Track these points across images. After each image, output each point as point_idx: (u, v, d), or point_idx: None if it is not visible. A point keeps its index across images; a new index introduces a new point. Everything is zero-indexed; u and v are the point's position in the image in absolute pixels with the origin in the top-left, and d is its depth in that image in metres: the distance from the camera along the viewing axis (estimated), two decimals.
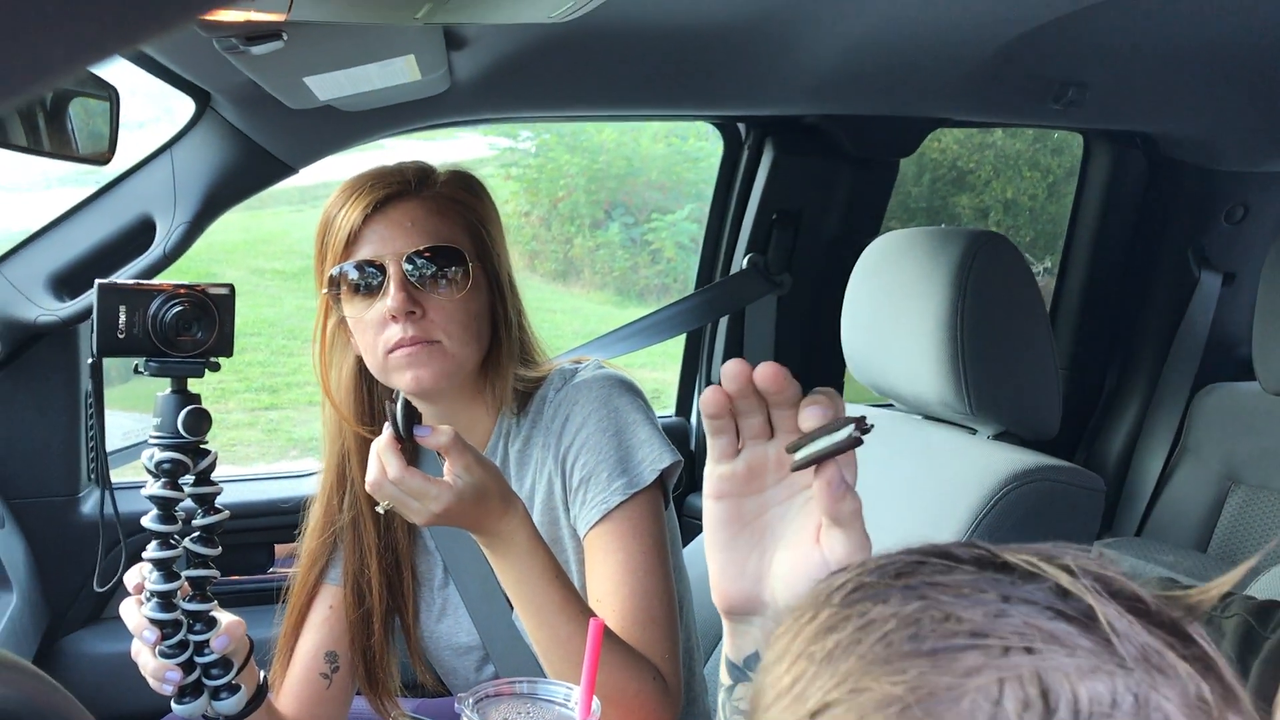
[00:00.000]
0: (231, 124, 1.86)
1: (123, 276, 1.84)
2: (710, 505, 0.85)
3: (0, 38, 0.26)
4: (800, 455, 0.76)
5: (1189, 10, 1.84)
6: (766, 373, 0.77)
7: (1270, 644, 0.79)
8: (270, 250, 7.17)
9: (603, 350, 2.28)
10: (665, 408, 2.68)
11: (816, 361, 2.38)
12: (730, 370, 0.78)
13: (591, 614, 1.34)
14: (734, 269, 2.42)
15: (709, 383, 2.57)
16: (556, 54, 1.80)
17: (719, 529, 0.85)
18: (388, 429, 1.24)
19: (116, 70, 1.67)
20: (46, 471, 1.93)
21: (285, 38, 1.28)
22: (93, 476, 2.04)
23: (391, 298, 1.39)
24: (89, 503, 2.01)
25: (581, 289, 10.80)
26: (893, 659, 0.47)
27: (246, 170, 1.91)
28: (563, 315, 7.71)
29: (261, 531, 2.16)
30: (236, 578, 2.18)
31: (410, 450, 1.32)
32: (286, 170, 1.94)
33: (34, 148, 1.10)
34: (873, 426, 0.77)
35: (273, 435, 5.35)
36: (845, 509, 0.77)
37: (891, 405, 1.99)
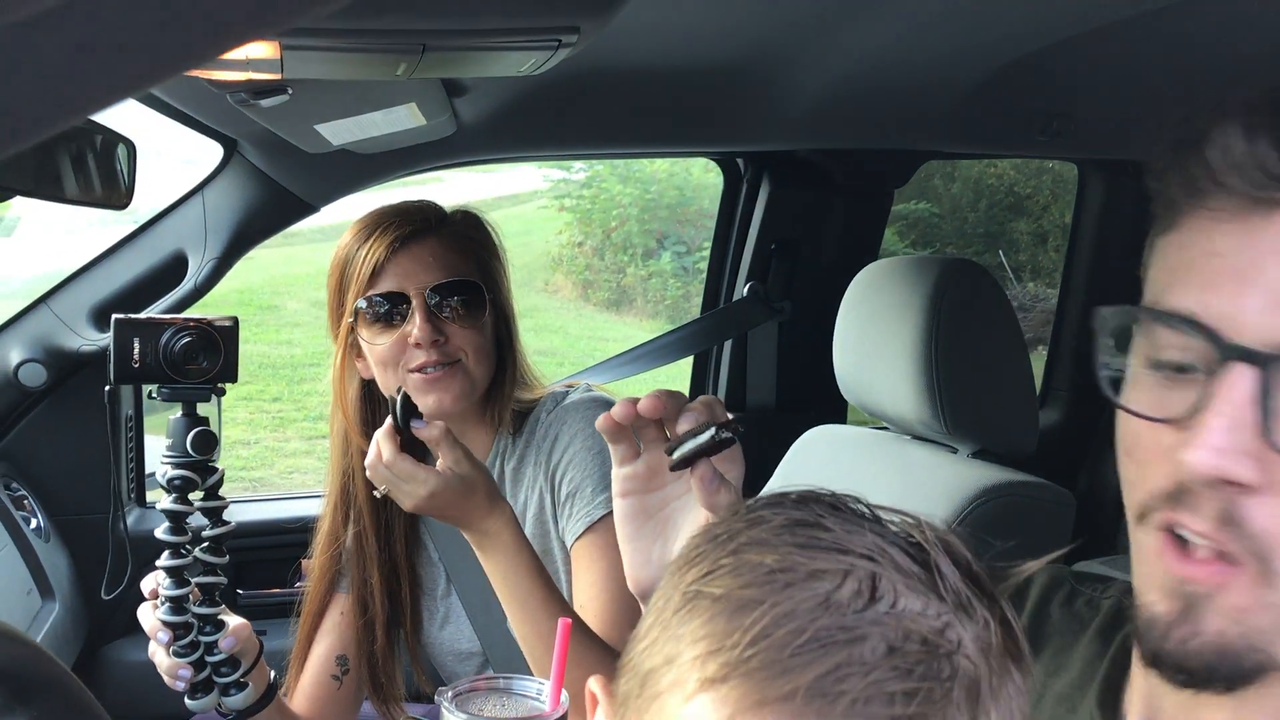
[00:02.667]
0: (257, 167, 2.01)
1: (157, 309, 1.99)
2: (618, 502, 0.97)
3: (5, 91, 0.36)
4: (675, 455, 0.88)
5: (1167, 41, 1.90)
6: (646, 405, 0.91)
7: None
8: None
9: (610, 373, 2.39)
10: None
11: (816, 384, 2.46)
12: (619, 411, 0.92)
13: (572, 610, 1.45)
14: (736, 297, 2.53)
15: None
16: (556, 97, 1.91)
17: (626, 523, 0.98)
18: (389, 420, 1.36)
19: (150, 120, 1.83)
20: (88, 490, 2.07)
21: (290, 91, 1.41)
22: (132, 495, 2.18)
23: (418, 327, 1.52)
24: (128, 519, 2.15)
25: (634, 317, 10.90)
26: (770, 542, 0.59)
27: (271, 209, 2.05)
28: (615, 344, 7.79)
29: (290, 548, 2.29)
30: (269, 590, 2.31)
31: (413, 449, 1.43)
32: (308, 209, 2.08)
33: (57, 195, 1.24)
34: (741, 430, 0.89)
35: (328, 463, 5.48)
36: (720, 501, 0.89)
37: (888, 428, 2.08)
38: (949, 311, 1.76)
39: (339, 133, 1.74)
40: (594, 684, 0.74)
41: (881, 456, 1.98)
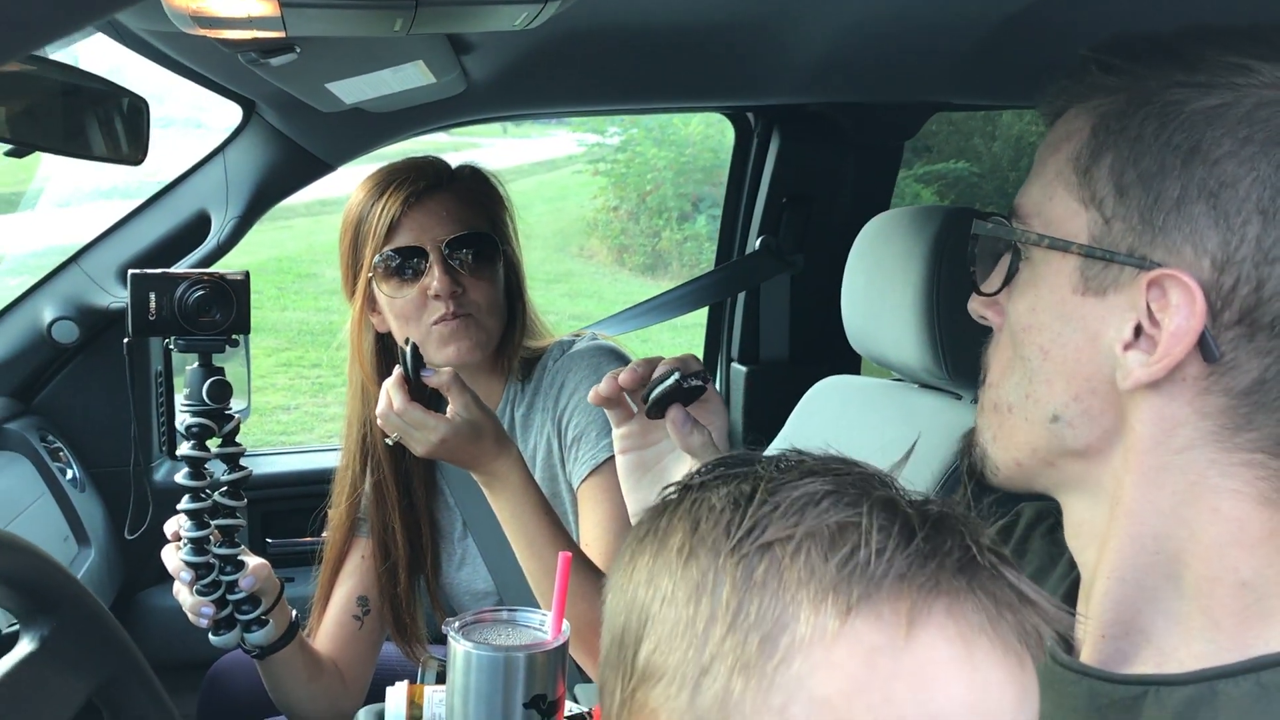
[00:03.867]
0: (275, 127, 2.06)
1: (182, 267, 2.05)
2: (619, 459, 1.10)
3: None
4: (648, 401, 0.97)
5: None
6: (625, 377, 1.08)
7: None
8: None
9: (624, 324, 2.44)
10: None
11: (829, 336, 2.49)
12: (604, 387, 1.10)
13: (576, 547, 1.51)
14: (748, 250, 2.56)
15: (729, 359, 2.71)
16: (565, 54, 1.94)
17: (628, 476, 1.11)
18: (398, 370, 1.42)
19: (169, 81, 1.88)
20: (121, 442, 2.15)
21: (298, 50, 1.45)
22: (163, 448, 2.26)
23: (437, 279, 1.57)
24: (160, 471, 2.24)
25: (670, 281, 10.89)
26: (791, 481, 0.60)
27: (290, 169, 2.11)
28: None
29: (316, 498, 2.37)
30: (296, 539, 2.39)
31: (422, 396, 1.49)
32: (326, 168, 2.13)
33: (75, 151, 1.30)
34: (701, 374, 0.99)
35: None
36: (694, 442, 1.00)
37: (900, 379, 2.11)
38: (949, 260, 1.78)
39: (351, 91, 1.78)
40: None
41: (888, 405, 2.01)
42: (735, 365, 2.69)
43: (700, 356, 2.80)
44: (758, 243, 2.52)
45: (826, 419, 2.12)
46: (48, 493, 1.94)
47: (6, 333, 2.06)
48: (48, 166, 2.59)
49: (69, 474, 2.05)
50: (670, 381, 1.02)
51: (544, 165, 14.02)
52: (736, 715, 0.56)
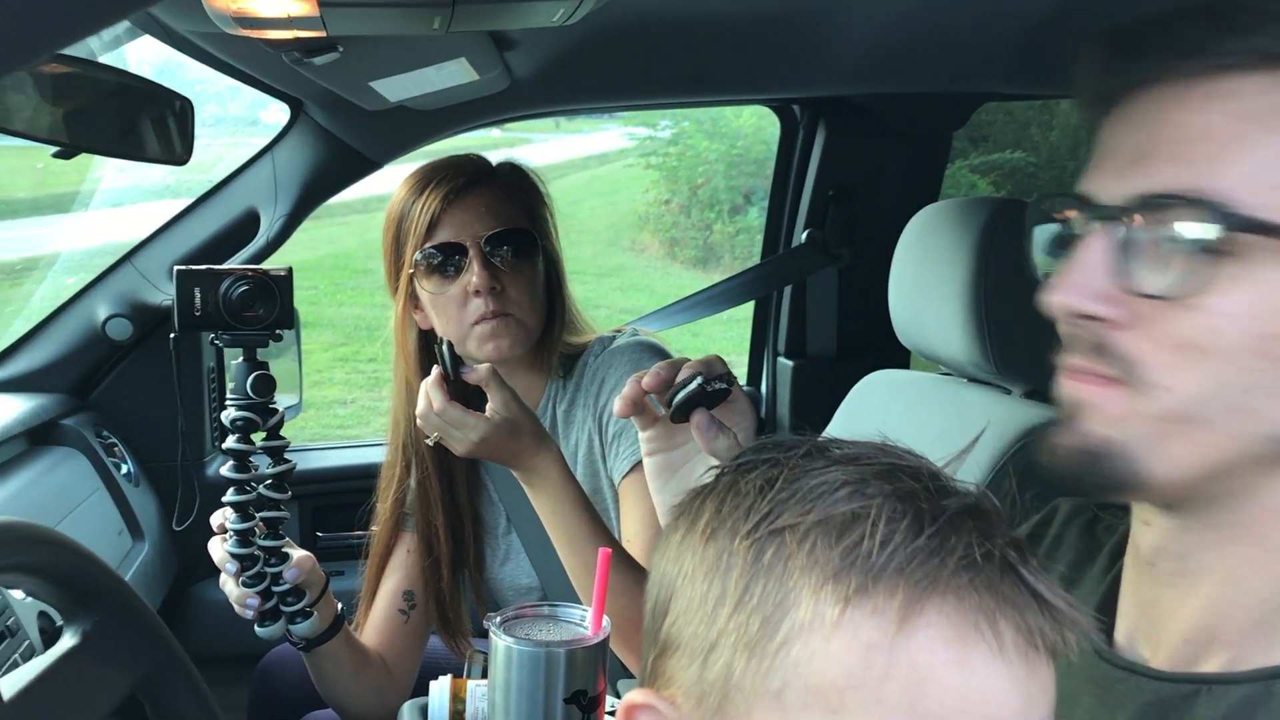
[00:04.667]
0: (322, 126, 2.08)
1: (233, 264, 2.08)
2: (646, 461, 1.12)
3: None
4: (672, 405, 0.97)
5: None
6: (649, 381, 1.08)
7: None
8: None
9: (669, 319, 2.44)
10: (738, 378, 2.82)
11: (877, 330, 2.47)
12: (628, 393, 1.10)
13: (617, 543, 1.51)
14: (795, 243, 2.54)
15: (776, 353, 2.70)
16: (607, 49, 1.94)
17: (655, 477, 1.12)
18: (436, 369, 1.43)
19: (219, 81, 1.91)
20: (174, 437, 2.19)
21: (341, 49, 1.46)
22: (215, 443, 2.30)
23: (477, 275, 1.58)
24: (213, 465, 2.27)
25: (722, 274, 10.84)
26: (811, 468, 0.61)
27: (337, 166, 2.13)
28: None
29: (365, 493, 2.39)
30: (346, 533, 2.41)
31: (462, 395, 1.50)
32: (373, 165, 2.15)
33: (122, 151, 1.32)
34: (726, 376, 0.98)
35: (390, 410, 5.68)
36: (719, 446, 1.00)
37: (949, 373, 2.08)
38: (998, 252, 1.76)
39: (395, 89, 1.80)
40: (638, 695, 0.64)
41: (936, 399, 1.99)
42: (782, 359, 2.67)
43: (747, 350, 2.79)
44: (804, 236, 2.51)
45: (873, 414, 2.10)
46: (102, 487, 1.98)
47: (62, 330, 2.10)
48: (100, 167, 2.64)
49: (124, 469, 2.09)
50: (694, 386, 1.02)
51: (596, 159, 14.04)
52: (737, 694, 0.57)
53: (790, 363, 2.65)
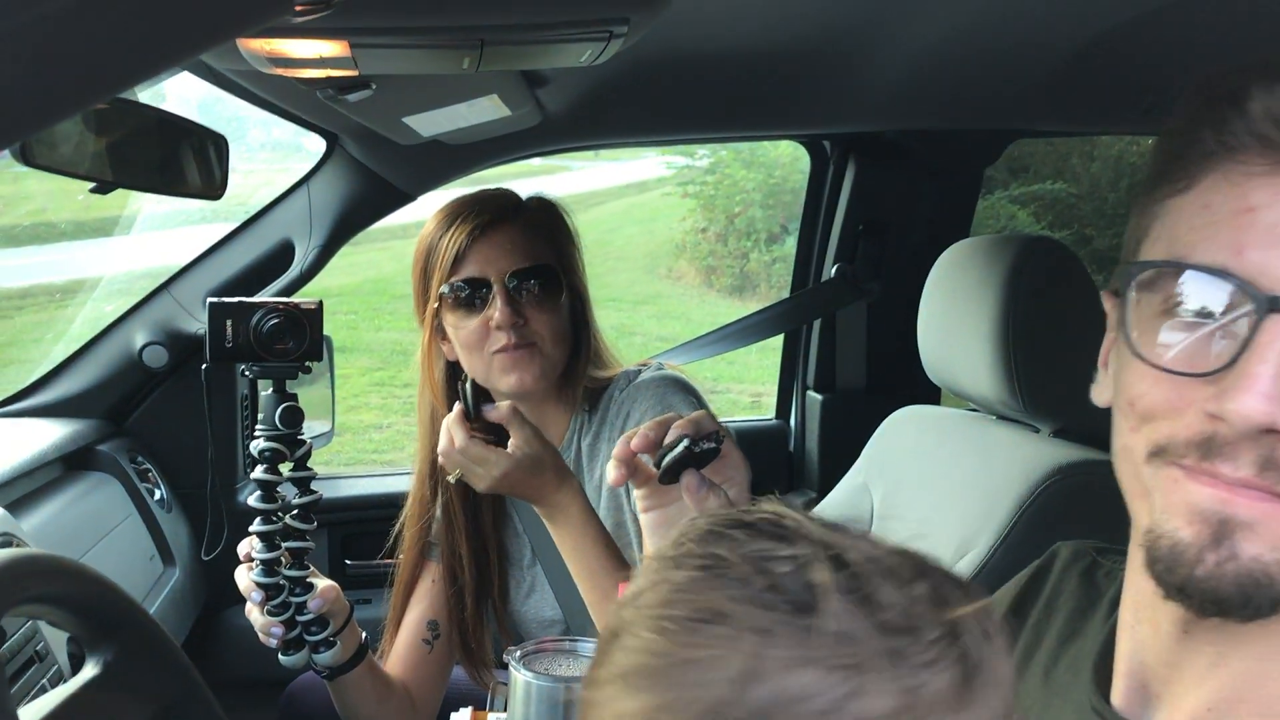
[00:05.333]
0: (357, 159, 2.11)
1: (266, 294, 2.11)
2: (643, 517, 1.12)
3: (49, 64, 0.42)
4: (660, 468, 0.98)
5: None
6: (637, 442, 1.08)
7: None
8: None
9: (700, 350, 2.45)
10: (766, 412, 2.83)
11: (907, 365, 2.47)
12: (618, 454, 1.10)
13: None
14: (824, 278, 2.55)
15: (805, 388, 2.70)
16: (639, 85, 1.96)
17: (652, 532, 1.13)
18: (458, 406, 1.44)
19: (257, 115, 1.95)
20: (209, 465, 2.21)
21: (373, 87, 1.49)
22: (248, 471, 2.32)
23: (499, 310, 1.60)
24: (244, 493, 2.29)
25: (758, 303, 10.82)
26: (659, 618, 0.56)
27: (371, 199, 2.16)
28: None
29: (394, 521, 2.41)
30: (375, 561, 2.42)
31: (485, 428, 1.51)
32: (406, 198, 2.18)
33: (158, 187, 1.35)
34: (715, 434, 0.98)
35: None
36: (710, 505, 1.00)
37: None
38: (1027, 290, 1.75)
39: (428, 124, 1.82)
40: None
41: (964, 437, 1.98)
42: (811, 393, 2.67)
43: (776, 384, 2.79)
44: (833, 270, 2.51)
45: (902, 449, 2.09)
46: (135, 513, 2.01)
47: (100, 357, 2.14)
48: (136, 195, 2.70)
49: (157, 495, 2.12)
50: (680, 449, 1.02)
51: (634, 187, 14.10)
52: None
53: (820, 396, 2.64)
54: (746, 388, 7.72)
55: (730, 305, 10.73)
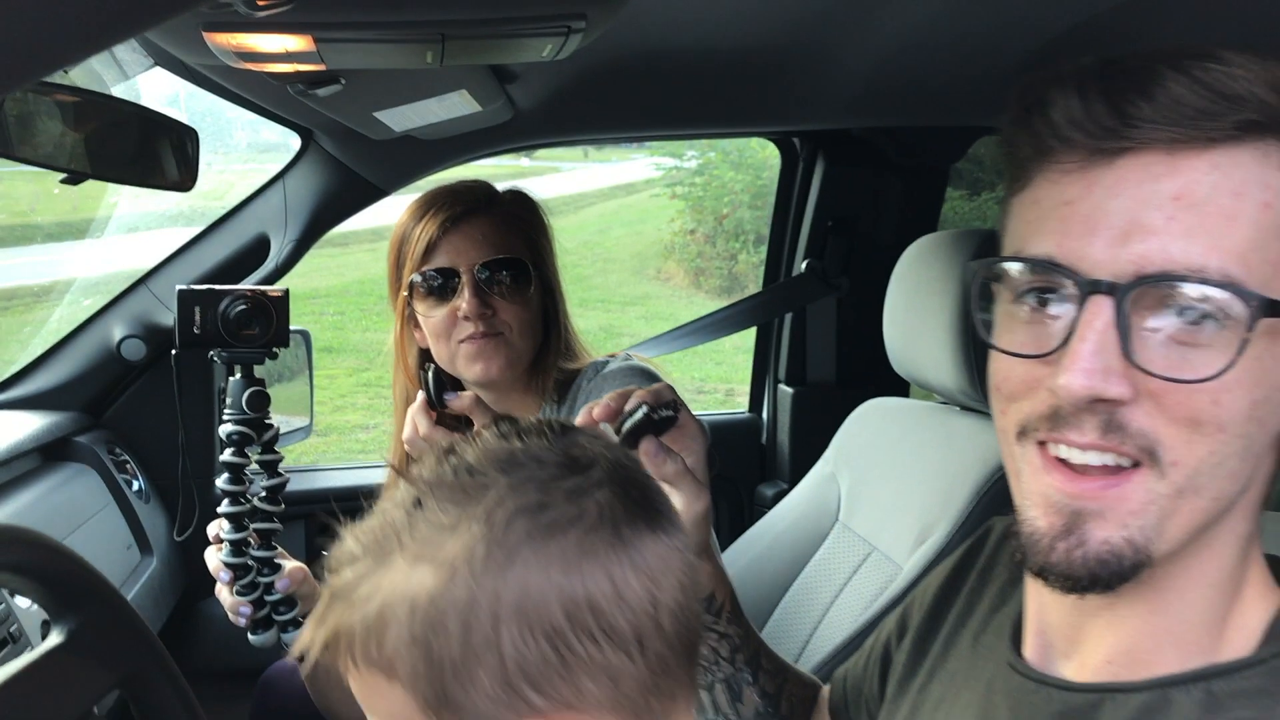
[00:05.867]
0: (332, 154, 2.15)
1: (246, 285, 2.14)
2: None
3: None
4: (620, 432, 1.01)
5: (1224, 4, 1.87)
6: (599, 411, 1.10)
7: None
8: None
9: (671, 343, 2.49)
10: (739, 407, 2.87)
11: (875, 359, 2.51)
12: (579, 423, 1.09)
13: None
14: (795, 273, 2.59)
15: (777, 380, 2.74)
16: (609, 81, 2.00)
17: None
18: (421, 395, 1.47)
19: (231, 111, 1.98)
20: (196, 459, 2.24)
21: (343, 81, 1.52)
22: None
23: (466, 301, 1.63)
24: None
25: None
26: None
27: (346, 194, 2.19)
28: None
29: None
30: None
31: (451, 420, 1.54)
32: (380, 193, 2.21)
33: (129, 178, 1.38)
34: (673, 404, 1.02)
35: (392, 428, 5.80)
36: (667, 470, 1.04)
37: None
38: None
39: (399, 119, 1.86)
40: None
41: (927, 427, 2.02)
42: (782, 386, 2.71)
43: (749, 377, 2.83)
44: (803, 266, 2.55)
45: (868, 440, 2.14)
46: (113, 503, 2.03)
47: (78, 350, 2.17)
48: (116, 193, 2.72)
49: (135, 485, 2.14)
50: (639, 415, 1.05)
51: (623, 189, 14.13)
52: None
53: (790, 390, 2.68)
54: (735, 386, 7.77)
55: (718, 306, 10.76)
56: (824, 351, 2.64)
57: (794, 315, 2.64)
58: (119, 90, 1.60)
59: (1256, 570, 0.80)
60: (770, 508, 2.26)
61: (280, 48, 1.25)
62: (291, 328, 2.40)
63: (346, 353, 8.53)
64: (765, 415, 2.78)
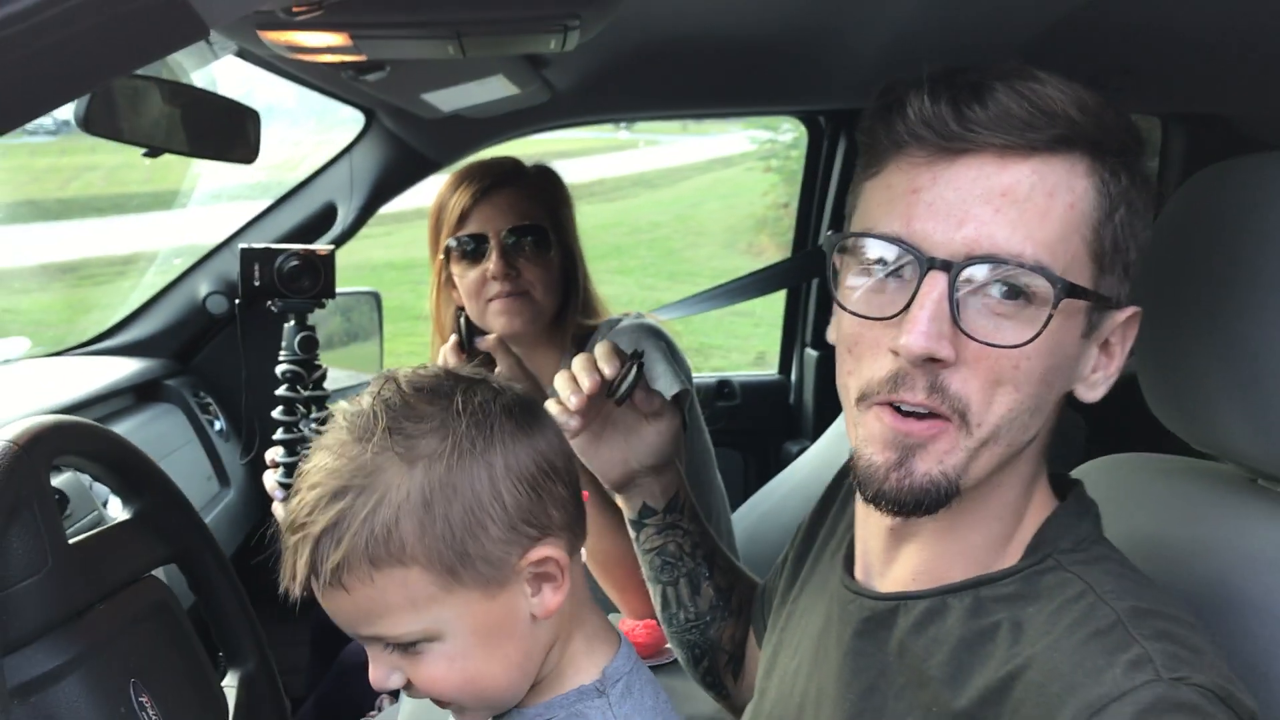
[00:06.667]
0: (392, 131, 2.38)
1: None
2: (575, 443, 1.24)
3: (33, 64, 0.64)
4: (616, 396, 1.19)
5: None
6: (590, 387, 1.21)
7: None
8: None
9: (698, 305, 2.68)
10: (770, 368, 3.06)
11: None
12: (578, 405, 1.22)
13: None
14: (821, 241, 2.76)
15: (804, 344, 2.91)
16: (640, 65, 2.17)
17: (588, 447, 1.28)
18: (453, 337, 1.70)
19: (298, 92, 2.22)
20: (266, 401, 2.51)
21: (388, 69, 1.74)
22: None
23: (494, 263, 1.85)
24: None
25: None
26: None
27: (404, 167, 2.43)
28: None
29: None
30: None
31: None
32: (435, 166, 2.45)
33: (200, 152, 1.63)
34: (636, 354, 1.20)
35: None
36: (655, 405, 1.23)
37: None
38: None
39: (445, 101, 2.07)
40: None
41: None
42: (809, 350, 2.88)
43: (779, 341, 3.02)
44: (827, 235, 2.70)
45: None
46: (196, 439, 2.31)
47: (169, 305, 2.45)
48: (194, 167, 3.01)
49: (217, 426, 2.42)
50: (635, 372, 1.21)
51: (720, 162, 14.16)
52: None
53: (815, 353, 2.86)
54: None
55: None
56: None
57: (820, 282, 2.80)
58: (199, 75, 1.84)
59: (1039, 497, 0.97)
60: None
61: (324, 43, 1.47)
62: (362, 289, 2.69)
63: (428, 319, 8.82)
64: (793, 377, 2.96)
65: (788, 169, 11.44)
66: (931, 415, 0.88)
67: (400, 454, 0.89)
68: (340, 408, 0.94)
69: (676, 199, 13.56)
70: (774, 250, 11.86)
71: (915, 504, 0.90)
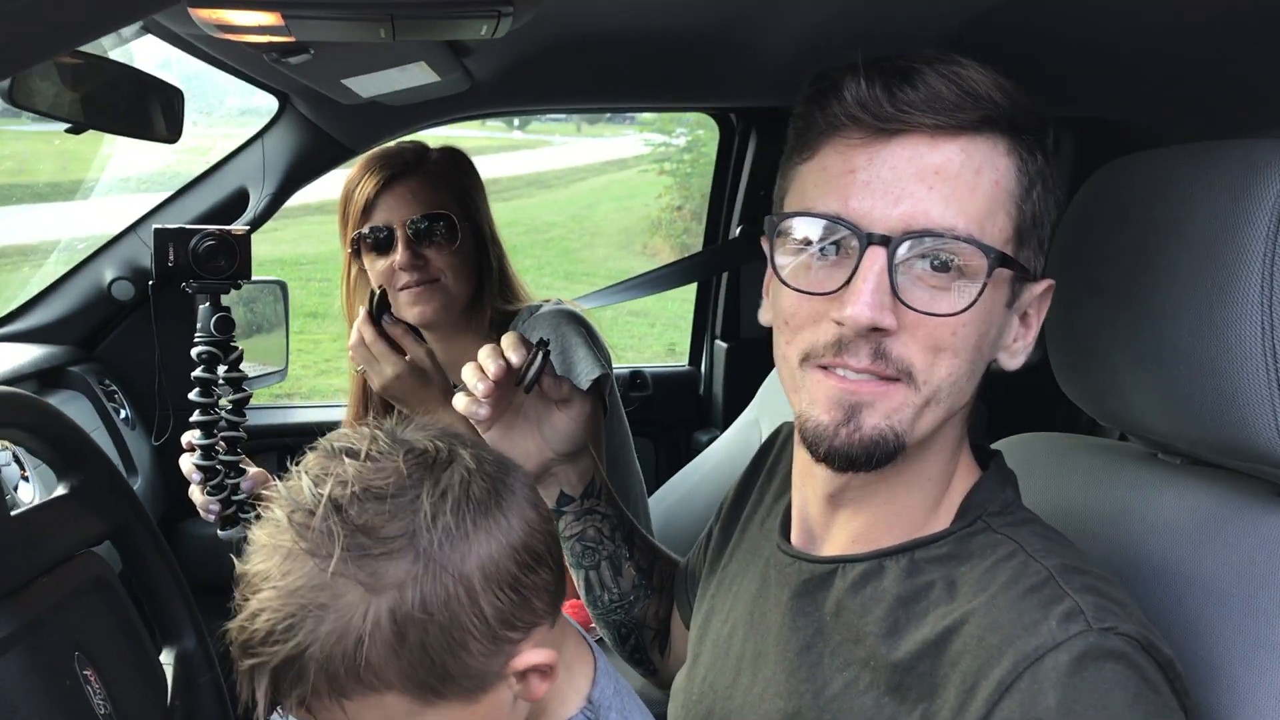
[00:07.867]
0: (306, 117, 2.36)
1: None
2: (489, 435, 1.27)
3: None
4: (524, 383, 1.21)
5: None
6: (496, 374, 1.23)
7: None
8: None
9: (613, 296, 2.72)
10: (680, 358, 3.11)
11: None
12: (482, 393, 1.24)
13: None
14: (731, 237, 2.82)
15: (714, 335, 2.98)
16: (556, 56, 2.19)
17: (500, 439, 1.29)
18: (363, 311, 1.70)
19: (211, 74, 2.19)
20: (169, 389, 2.46)
21: (312, 51, 1.74)
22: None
23: (400, 254, 1.86)
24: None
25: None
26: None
27: (318, 153, 2.41)
28: None
29: None
30: None
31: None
32: (350, 153, 2.43)
33: (122, 129, 1.60)
34: (542, 342, 1.21)
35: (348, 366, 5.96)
36: (564, 391, 1.25)
37: None
38: None
39: (365, 86, 2.07)
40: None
41: None
42: (719, 342, 2.95)
43: (689, 334, 3.08)
44: (737, 230, 2.78)
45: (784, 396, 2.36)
46: (102, 427, 2.26)
47: (73, 290, 2.39)
48: (110, 144, 2.94)
49: (122, 413, 2.37)
50: (541, 359, 1.23)
51: (614, 164, 14.23)
52: None
53: (725, 345, 2.92)
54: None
55: None
56: (755, 310, 2.85)
57: (729, 276, 2.87)
58: (115, 54, 1.81)
59: (964, 465, 1.04)
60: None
61: (254, 22, 1.47)
62: (267, 278, 2.66)
63: (331, 318, 8.69)
64: (703, 368, 3.02)
65: (681, 172, 11.59)
66: (878, 378, 0.93)
67: (365, 583, 0.82)
68: (278, 493, 0.87)
69: (571, 200, 13.59)
70: (668, 251, 11.97)
71: (866, 457, 0.94)
